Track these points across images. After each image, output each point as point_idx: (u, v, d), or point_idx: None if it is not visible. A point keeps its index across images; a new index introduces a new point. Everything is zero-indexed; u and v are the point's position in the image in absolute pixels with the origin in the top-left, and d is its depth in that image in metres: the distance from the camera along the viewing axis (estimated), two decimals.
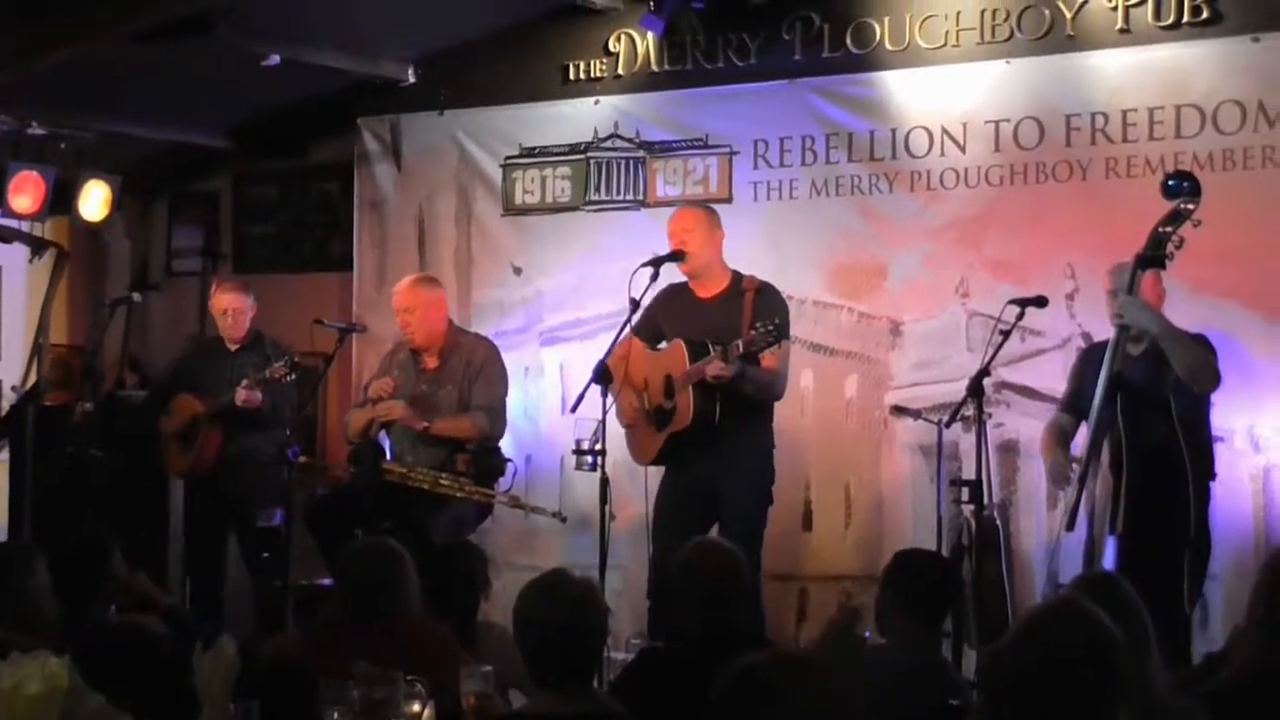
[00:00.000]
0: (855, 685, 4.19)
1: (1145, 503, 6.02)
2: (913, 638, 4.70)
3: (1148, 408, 6.08)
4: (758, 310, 6.89)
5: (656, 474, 7.22)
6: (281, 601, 7.53)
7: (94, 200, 8.97)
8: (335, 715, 4.11)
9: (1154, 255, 6.11)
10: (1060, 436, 6.61)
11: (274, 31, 8.48)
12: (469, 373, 7.64)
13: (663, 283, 7.11)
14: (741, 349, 6.65)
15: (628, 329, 7.05)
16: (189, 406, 8.26)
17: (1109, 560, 5.96)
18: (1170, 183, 6.19)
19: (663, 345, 7.21)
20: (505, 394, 7.74)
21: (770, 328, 6.59)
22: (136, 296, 9.38)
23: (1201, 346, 6.27)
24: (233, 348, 8.38)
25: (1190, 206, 6.06)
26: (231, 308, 8.34)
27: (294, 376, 7.83)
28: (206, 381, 8.30)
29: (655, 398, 7.11)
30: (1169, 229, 6.07)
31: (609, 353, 6.97)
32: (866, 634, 4.83)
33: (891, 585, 4.82)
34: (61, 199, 8.83)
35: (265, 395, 7.92)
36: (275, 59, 8.48)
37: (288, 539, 7.72)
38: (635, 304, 6.93)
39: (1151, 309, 6.29)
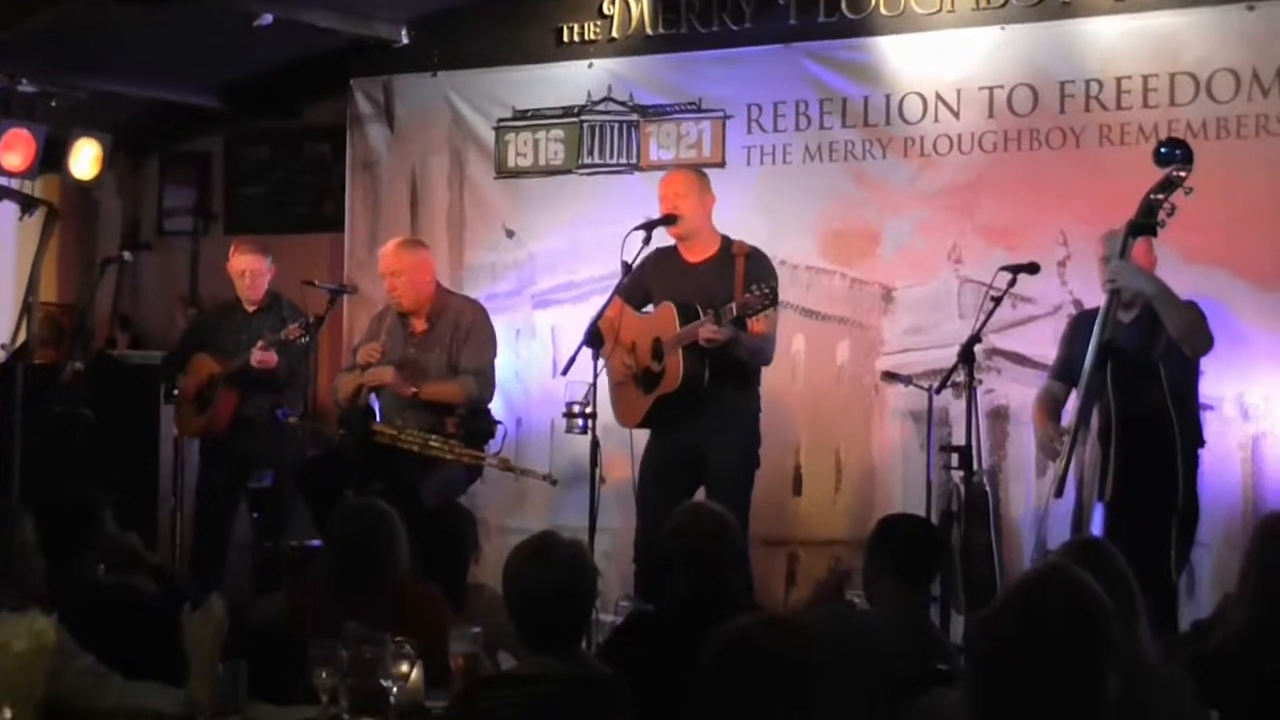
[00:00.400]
0: (843, 649, 4.21)
1: (1133, 470, 6.02)
2: (900, 602, 4.70)
3: (1138, 375, 6.08)
4: (750, 275, 6.89)
5: (644, 437, 7.22)
6: (273, 562, 7.54)
7: (85, 159, 8.94)
8: (324, 675, 4.12)
9: (1146, 222, 6.11)
10: (1051, 405, 6.61)
11: None
12: (457, 336, 7.62)
13: (651, 246, 7.10)
14: (735, 312, 6.65)
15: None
16: (205, 367, 8.27)
17: (1097, 527, 5.97)
18: (1162, 150, 6.18)
19: (649, 308, 7.20)
20: (494, 357, 7.73)
21: (766, 291, 6.59)
22: (127, 255, 9.35)
23: (1194, 310, 6.27)
24: (250, 309, 8.36)
25: (1182, 174, 6.06)
26: (249, 269, 8.32)
27: (308, 339, 7.81)
28: (223, 343, 8.30)
29: (643, 360, 7.10)
30: (1161, 196, 6.07)
31: (599, 315, 6.97)
32: (855, 599, 4.85)
33: (878, 550, 4.83)
34: (52, 157, 8.80)
35: (282, 358, 7.91)
36: (268, 19, 8.45)
37: (280, 499, 7.74)
38: (627, 267, 6.92)
39: (1145, 272, 6.29)
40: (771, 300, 6.63)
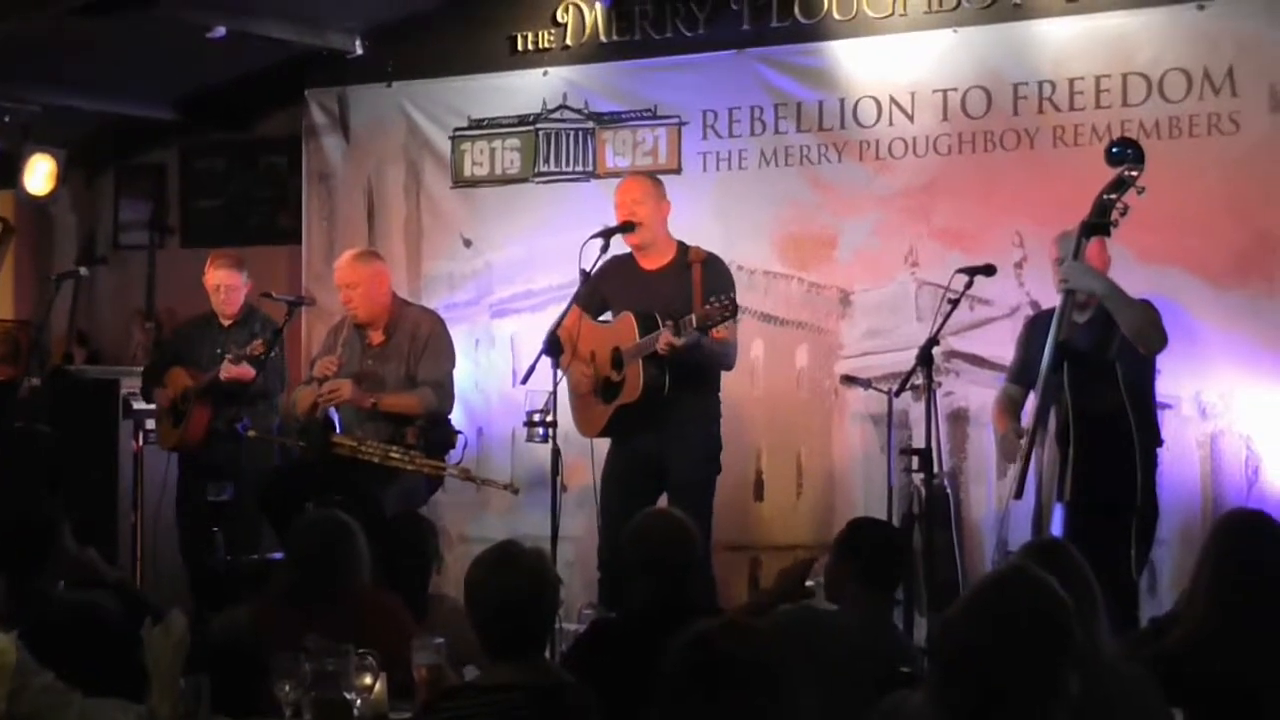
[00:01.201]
0: (807, 651, 4.22)
1: (1092, 470, 6.04)
2: (864, 605, 4.71)
3: (1094, 375, 6.11)
4: (707, 282, 6.89)
5: (605, 445, 7.21)
6: (233, 576, 7.51)
7: (39, 174, 8.91)
8: (286, 688, 4.11)
9: (1099, 222, 6.14)
10: (1010, 408, 6.63)
11: (219, 3, 8.42)
12: (415, 347, 7.59)
13: (608, 254, 7.09)
14: (695, 324, 6.63)
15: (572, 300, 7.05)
16: (180, 380, 8.25)
17: (1057, 527, 5.99)
18: (1114, 150, 6.22)
19: (606, 317, 7.20)
20: (452, 368, 7.71)
21: (725, 301, 6.59)
22: (83, 270, 9.33)
23: (1148, 308, 6.30)
24: (226, 323, 8.36)
25: (1134, 173, 6.09)
26: (224, 284, 8.32)
27: (273, 353, 7.80)
28: (198, 356, 8.30)
29: (603, 370, 7.10)
30: (1113, 196, 6.10)
31: (558, 324, 6.96)
32: (818, 585, 4.86)
33: (842, 553, 4.83)
34: (6, 172, 8.79)
35: (260, 372, 7.88)
36: (221, 31, 8.43)
37: (241, 512, 7.72)
38: (586, 275, 6.91)
39: (1096, 272, 6.32)
40: (731, 311, 6.62)
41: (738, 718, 2.69)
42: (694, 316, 6.63)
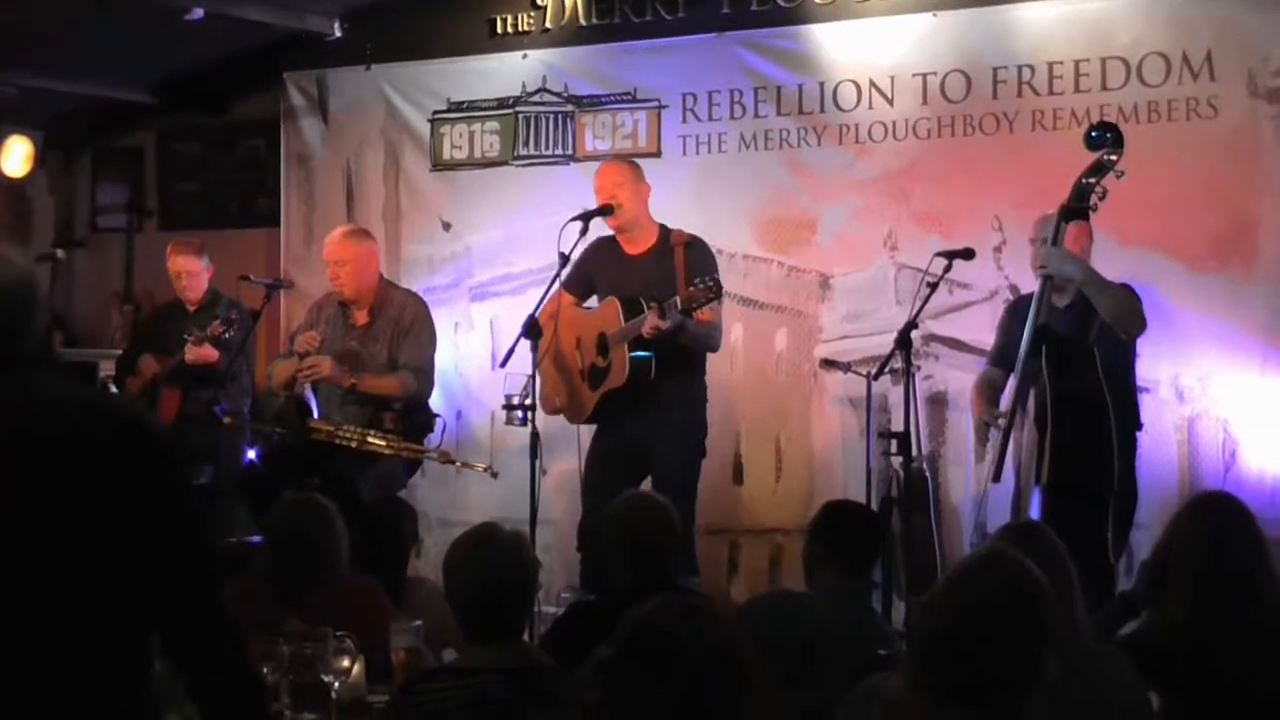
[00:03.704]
0: (784, 635, 4.22)
1: (1069, 454, 6.05)
2: (840, 588, 4.72)
3: (1073, 359, 6.11)
4: (690, 265, 6.89)
5: (589, 428, 7.22)
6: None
7: (16, 156, 8.88)
8: (264, 671, 4.10)
9: (1077, 206, 6.15)
10: (989, 392, 6.60)
11: None
12: (398, 331, 7.56)
13: (590, 236, 7.09)
14: (680, 306, 6.63)
15: (557, 284, 7.04)
16: (150, 367, 8.26)
17: (1034, 511, 6.01)
18: (1093, 134, 6.23)
19: (591, 303, 7.20)
20: (434, 353, 7.68)
21: (710, 283, 6.59)
22: (60, 254, 9.32)
23: (1127, 293, 6.31)
24: (191, 309, 8.39)
25: (1113, 158, 6.10)
26: (185, 270, 8.35)
27: (231, 333, 7.81)
28: (166, 342, 8.31)
29: (589, 356, 7.10)
30: (1092, 180, 6.11)
31: (539, 307, 6.96)
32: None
33: (817, 536, 4.84)
34: None
35: (223, 354, 7.88)
36: (199, 13, 8.39)
37: (219, 496, 7.72)
38: (565, 259, 6.91)
39: (1074, 257, 6.31)
40: (716, 293, 6.63)
41: (690, 699, 2.67)
42: (678, 299, 6.63)
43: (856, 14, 7.92)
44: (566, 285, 7.09)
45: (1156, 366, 7.01)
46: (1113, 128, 6.25)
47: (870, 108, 7.86)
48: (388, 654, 4.30)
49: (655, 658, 2.68)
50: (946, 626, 2.94)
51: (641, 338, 6.77)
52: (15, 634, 2.73)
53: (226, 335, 7.81)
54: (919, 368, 7.15)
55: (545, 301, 7.02)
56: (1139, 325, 6.28)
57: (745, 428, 8.11)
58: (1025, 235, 6.77)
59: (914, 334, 6.51)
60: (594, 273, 7.18)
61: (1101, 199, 6.11)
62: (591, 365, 7.10)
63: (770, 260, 8.07)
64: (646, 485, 6.79)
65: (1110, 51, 7.36)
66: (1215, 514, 4.45)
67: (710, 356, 7.20)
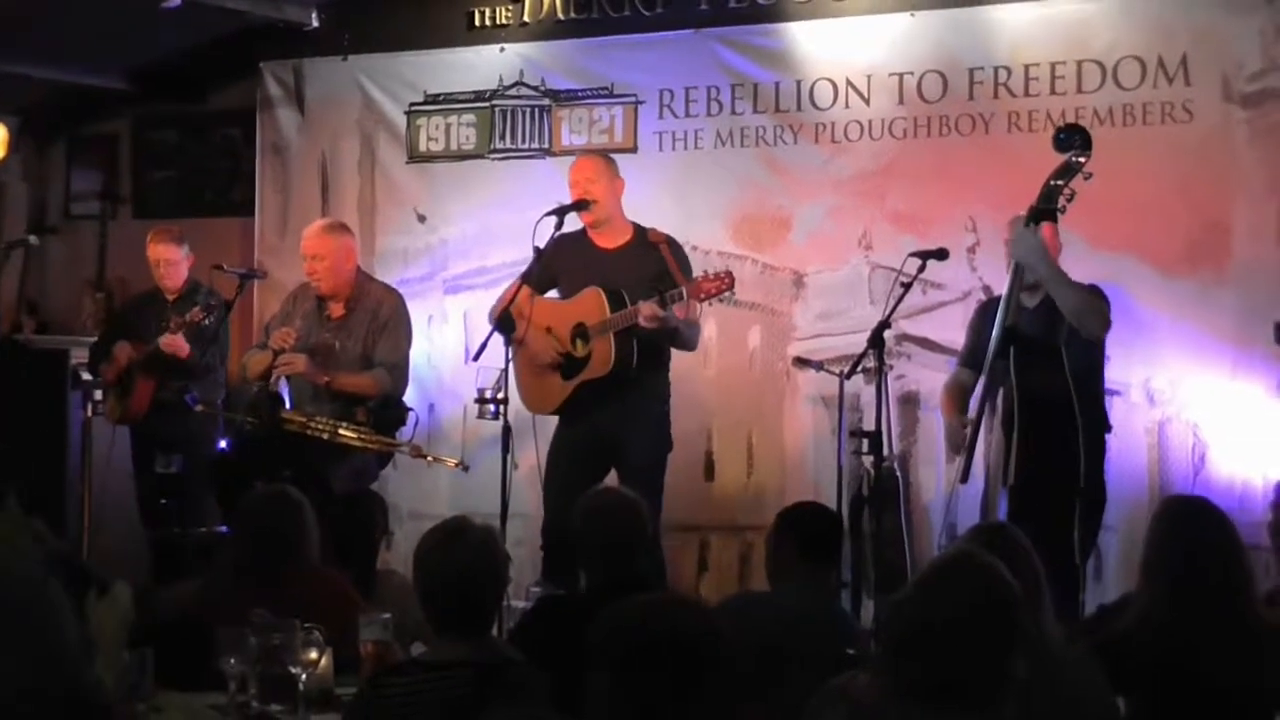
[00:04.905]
0: (751, 633, 4.23)
1: (1035, 455, 6.05)
2: (805, 586, 4.73)
3: (1040, 360, 6.11)
4: (679, 261, 6.91)
5: (546, 420, 7.19)
6: (180, 549, 7.49)
7: None
8: (232, 662, 4.10)
9: (1046, 208, 6.15)
10: (959, 394, 6.56)
11: None
12: (374, 325, 7.50)
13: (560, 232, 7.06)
14: (689, 295, 6.64)
15: (514, 277, 7.03)
16: (125, 353, 8.21)
17: (1003, 512, 6.01)
18: (1061, 136, 6.23)
19: (553, 293, 7.16)
20: (409, 350, 7.63)
21: (723, 275, 6.63)
22: (33, 239, 9.26)
23: (1091, 293, 6.30)
24: (170, 297, 8.34)
25: (1081, 159, 6.11)
26: (164, 258, 8.30)
27: (210, 321, 7.78)
28: (144, 330, 8.25)
29: (563, 345, 7.06)
30: (1060, 182, 6.11)
31: (507, 302, 6.94)
32: None
33: (780, 539, 4.86)
34: None
35: (196, 344, 7.85)
36: (176, 1, 8.36)
37: (189, 485, 7.70)
38: (539, 253, 6.89)
39: (1039, 250, 6.23)
40: (729, 284, 6.64)
41: (668, 695, 2.68)
42: (684, 289, 6.63)
43: (834, 13, 7.93)
44: (526, 277, 7.02)
45: (1128, 369, 7.04)
46: (1081, 130, 6.26)
47: (847, 107, 7.87)
48: (356, 646, 4.30)
49: (650, 649, 2.70)
50: (916, 628, 2.95)
51: (633, 328, 6.75)
52: None
53: (207, 322, 7.78)
54: (891, 367, 7.18)
55: (510, 294, 6.99)
56: (1100, 325, 6.27)
57: (717, 424, 8.12)
58: (999, 236, 6.79)
59: (887, 333, 6.51)
60: (559, 266, 7.11)
61: (1070, 201, 6.12)
62: (565, 355, 7.06)
63: (745, 257, 8.07)
64: (612, 480, 6.79)
65: (1086, 54, 7.39)
66: (1184, 516, 4.47)
67: (683, 353, 7.19)
